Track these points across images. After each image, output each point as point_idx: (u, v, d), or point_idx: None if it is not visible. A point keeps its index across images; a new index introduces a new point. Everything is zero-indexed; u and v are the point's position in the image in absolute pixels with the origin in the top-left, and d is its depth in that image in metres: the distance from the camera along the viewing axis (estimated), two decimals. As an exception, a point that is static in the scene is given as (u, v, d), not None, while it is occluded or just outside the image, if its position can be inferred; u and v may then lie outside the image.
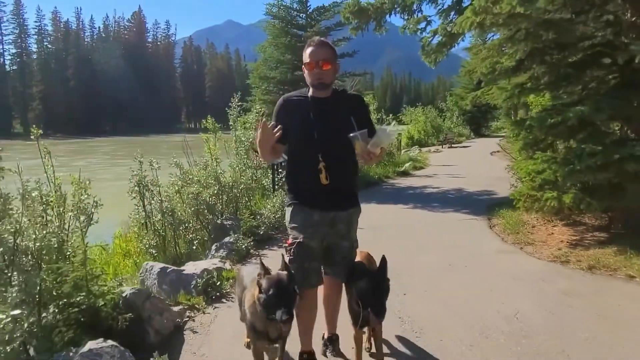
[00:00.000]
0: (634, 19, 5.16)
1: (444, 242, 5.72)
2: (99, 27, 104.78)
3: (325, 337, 2.94)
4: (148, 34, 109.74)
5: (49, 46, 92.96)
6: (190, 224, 5.89)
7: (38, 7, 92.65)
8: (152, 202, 5.68)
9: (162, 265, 4.20)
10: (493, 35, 7.14)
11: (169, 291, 3.93)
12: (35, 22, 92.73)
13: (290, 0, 11.23)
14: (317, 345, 2.82)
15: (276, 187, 8.03)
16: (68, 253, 3.42)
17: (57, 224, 3.48)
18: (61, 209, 3.55)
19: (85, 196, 3.59)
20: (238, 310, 2.77)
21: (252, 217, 6.35)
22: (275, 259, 5.16)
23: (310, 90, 2.59)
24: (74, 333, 3.04)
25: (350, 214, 2.63)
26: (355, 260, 2.74)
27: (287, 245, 2.54)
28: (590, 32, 5.37)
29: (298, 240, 2.48)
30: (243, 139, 7.66)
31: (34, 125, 3.93)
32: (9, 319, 2.39)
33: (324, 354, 2.87)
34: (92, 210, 3.63)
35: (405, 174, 12.93)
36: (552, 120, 4.68)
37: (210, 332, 3.39)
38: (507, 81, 6.19)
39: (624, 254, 4.58)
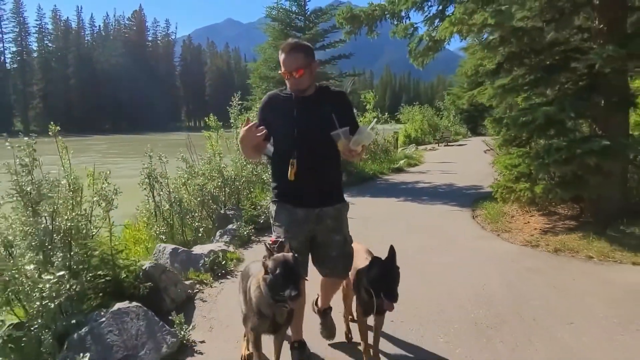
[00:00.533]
0: (601, 26, 5.68)
1: (429, 230, 6.24)
2: (100, 25, 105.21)
3: (319, 307, 3.08)
4: (148, 33, 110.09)
5: (50, 45, 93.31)
6: (197, 213, 6.41)
7: (39, 5, 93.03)
8: (161, 193, 6.19)
9: (173, 246, 4.72)
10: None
11: (179, 269, 4.44)
12: (36, 20, 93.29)
13: (289, 4, 11.77)
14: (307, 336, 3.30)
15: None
16: (93, 233, 3.94)
17: (84, 207, 4.01)
18: (84, 195, 4.08)
19: (106, 184, 4.11)
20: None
21: (252, 207, 6.86)
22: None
23: None
24: (101, 299, 3.57)
25: (338, 209, 2.66)
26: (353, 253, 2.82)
27: (270, 242, 2.53)
28: (562, 38, 5.89)
29: (280, 240, 2.51)
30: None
31: (51, 123, 4.40)
32: (55, 279, 2.90)
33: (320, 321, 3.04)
34: (112, 196, 4.15)
35: (399, 170, 13.46)
36: (524, 119, 5.20)
37: (217, 301, 3.91)
38: (489, 83, 6.69)
39: (587, 239, 5.11)
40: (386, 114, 17.80)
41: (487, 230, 6.14)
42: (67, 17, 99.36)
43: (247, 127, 2.39)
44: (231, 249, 5.19)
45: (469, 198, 8.47)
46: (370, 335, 2.75)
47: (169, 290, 3.77)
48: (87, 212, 4.04)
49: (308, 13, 11.92)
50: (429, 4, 6.00)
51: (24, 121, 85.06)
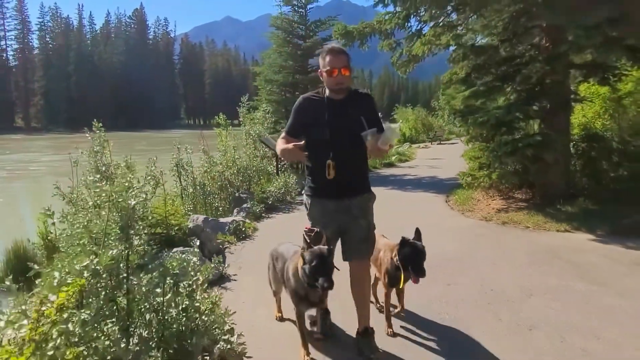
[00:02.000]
0: (547, 44, 7.02)
1: (406, 211, 7.58)
2: (102, 23, 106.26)
3: (360, 330, 2.95)
4: (149, 31, 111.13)
5: (51, 42, 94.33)
6: (216, 195, 7.73)
7: (41, 3, 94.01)
8: (186, 179, 7.51)
9: (204, 216, 6.05)
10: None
11: (210, 232, 5.77)
12: (38, 18, 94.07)
13: (292, 14, 13.05)
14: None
15: (279, 172, 9.86)
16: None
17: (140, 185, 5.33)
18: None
19: (154, 167, 5.43)
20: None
21: (262, 192, 8.19)
22: (279, 220, 7.04)
23: (327, 91, 2.83)
24: (158, 249, 4.90)
25: (365, 198, 2.90)
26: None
27: (306, 229, 2.76)
28: (516, 53, 7.23)
29: (316, 230, 2.74)
30: (252, 132, 9.50)
31: (95, 120, 5.73)
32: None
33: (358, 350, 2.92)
34: (159, 176, 5.48)
35: (390, 165, 14.81)
36: (481, 120, 6.55)
37: (241, 253, 5.26)
38: (460, 89, 8.03)
39: (529, 214, 6.46)
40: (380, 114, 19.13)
41: (455, 210, 7.49)
42: (68, 15, 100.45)
43: (293, 146, 2.69)
44: (247, 220, 6.52)
45: (447, 187, 9.80)
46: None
47: (206, 243, 5.10)
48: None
49: (309, 23, 13.25)
50: (409, 24, 7.31)
51: (25, 117, 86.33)
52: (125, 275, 2.69)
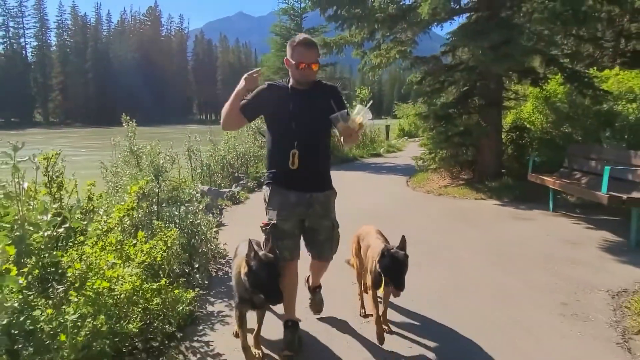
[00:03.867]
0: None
1: (371, 187, 9.45)
2: (117, 20, 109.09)
3: (310, 285, 3.27)
4: (162, 28, 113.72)
5: (69, 39, 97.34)
6: (219, 174, 9.66)
7: (60, 2, 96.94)
8: (195, 161, 9.43)
9: (208, 186, 7.97)
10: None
11: (213, 198, 7.68)
12: (57, 16, 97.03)
13: (289, 22, 14.88)
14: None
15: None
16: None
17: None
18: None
19: (171, 149, 7.35)
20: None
21: (256, 172, 10.08)
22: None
23: (291, 81, 2.77)
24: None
25: (327, 196, 2.86)
26: (362, 231, 3.31)
27: (262, 225, 2.74)
28: (455, 62, 9.00)
29: (272, 222, 2.70)
30: (252, 125, 11.40)
31: (124, 114, 7.65)
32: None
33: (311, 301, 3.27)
34: (175, 157, 7.39)
35: (377, 155, 16.63)
36: (425, 115, 8.35)
37: (235, 212, 7.17)
38: (417, 90, 9.82)
39: (462, 188, 8.28)
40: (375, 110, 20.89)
41: (409, 187, 9.33)
42: (85, 13, 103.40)
43: (249, 76, 2.67)
44: (242, 192, 8.44)
45: (414, 172, 11.62)
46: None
47: (211, 203, 7.02)
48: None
49: (303, 30, 15.05)
50: (375, 36, 9.07)
51: (44, 113, 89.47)
52: (156, 206, 4.64)
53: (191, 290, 3.44)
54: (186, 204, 4.85)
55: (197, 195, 5.28)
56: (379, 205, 7.33)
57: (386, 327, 3.01)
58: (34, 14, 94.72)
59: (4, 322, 1.74)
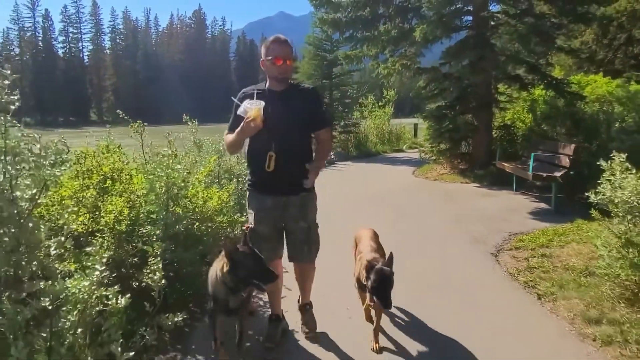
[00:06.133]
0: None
1: (381, 175, 11.48)
2: (166, 24, 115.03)
3: (300, 303, 3.27)
4: (207, 30, 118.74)
5: (121, 43, 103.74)
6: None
7: (112, 8, 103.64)
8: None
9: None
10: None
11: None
12: (110, 21, 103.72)
13: (320, 34, 16.93)
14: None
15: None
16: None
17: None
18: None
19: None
20: None
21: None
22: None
23: (268, 82, 2.87)
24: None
25: (303, 197, 2.86)
26: (358, 234, 3.39)
27: (244, 228, 2.88)
28: (450, 72, 10.86)
29: (250, 226, 2.83)
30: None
31: (185, 113, 9.96)
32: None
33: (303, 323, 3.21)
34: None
35: (399, 150, 18.52)
36: (424, 115, 10.28)
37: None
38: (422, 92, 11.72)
39: (454, 175, 10.19)
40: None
41: (413, 175, 11.26)
42: (136, 17, 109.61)
43: (254, 121, 2.61)
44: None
45: (423, 164, 13.50)
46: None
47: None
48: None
49: (333, 40, 17.11)
50: (391, 49, 11.03)
51: (99, 112, 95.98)
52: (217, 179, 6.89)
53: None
54: (238, 178, 7.05)
55: (245, 171, 7.46)
56: (383, 190, 9.36)
57: (376, 344, 2.93)
58: (90, 19, 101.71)
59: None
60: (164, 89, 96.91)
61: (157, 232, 3.36)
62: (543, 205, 7.13)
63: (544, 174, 6.54)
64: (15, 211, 2.16)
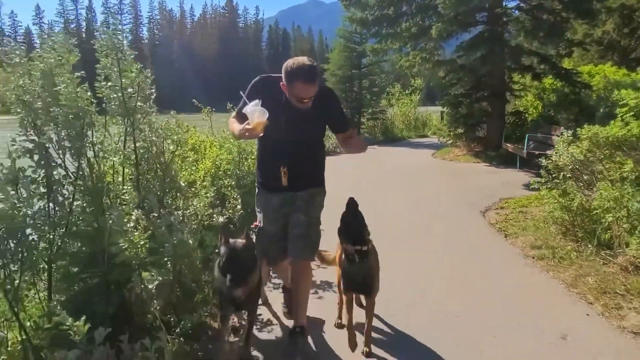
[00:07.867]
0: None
1: (403, 157, 12.78)
2: (199, 14, 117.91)
3: (290, 327, 2.84)
4: (240, 20, 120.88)
5: (158, 33, 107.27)
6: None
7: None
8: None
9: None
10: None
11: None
12: (148, 12, 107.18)
13: (350, 27, 18.18)
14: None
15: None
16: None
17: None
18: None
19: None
20: None
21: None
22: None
23: (288, 94, 2.55)
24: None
25: (311, 193, 2.75)
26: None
27: (253, 226, 2.87)
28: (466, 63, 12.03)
29: (260, 225, 2.80)
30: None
31: (228, 103, 11.50)
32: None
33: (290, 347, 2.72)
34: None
35: (423, 136, 19.68)
36: (441, 103, 11.51)
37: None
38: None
39: (468, 156, 11.42)
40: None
41: (434, 157, 12.51)
42: (172, 8, 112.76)
43: (251, 129, 2.35)
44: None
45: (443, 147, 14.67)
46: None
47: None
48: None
49: (362, 33, 18.32)
50: (412, 43, 12.24)
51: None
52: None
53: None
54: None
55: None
56: (403, 167, 10.72)
57: (367, 349, 2.70)
58: (129, 10, 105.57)
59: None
60: (198, 79, 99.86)
61: (232, 182, 4.92)
62: (538, 179, 8.33)
63: (537, 152, 7.76)
64: (163, 160, 3.72)
